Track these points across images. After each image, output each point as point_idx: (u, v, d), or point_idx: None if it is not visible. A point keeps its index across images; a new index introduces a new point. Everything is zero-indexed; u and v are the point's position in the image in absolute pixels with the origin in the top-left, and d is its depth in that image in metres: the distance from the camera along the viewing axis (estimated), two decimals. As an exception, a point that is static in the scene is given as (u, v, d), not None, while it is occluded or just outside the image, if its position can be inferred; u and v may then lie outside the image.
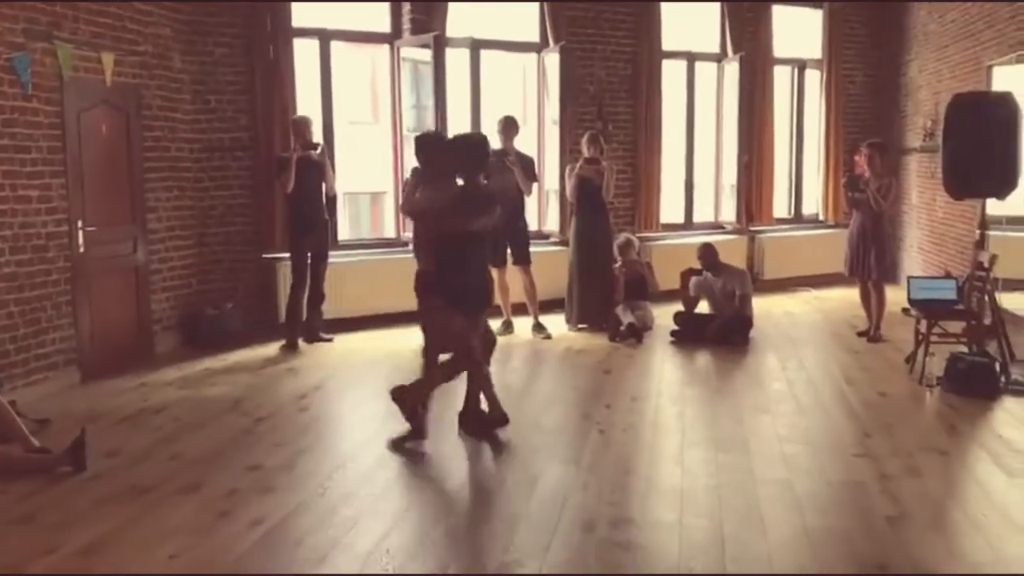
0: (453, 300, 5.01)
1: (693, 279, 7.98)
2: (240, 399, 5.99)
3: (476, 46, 9.02)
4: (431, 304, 5.12)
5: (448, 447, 5.02)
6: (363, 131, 14.82)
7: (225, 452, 4.90)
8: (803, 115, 10.98)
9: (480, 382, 5.13)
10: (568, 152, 8.98)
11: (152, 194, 7.31)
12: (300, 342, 7.60)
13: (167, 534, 3.79)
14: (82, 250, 6.42)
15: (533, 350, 7.47)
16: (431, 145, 5.63)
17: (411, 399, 5.11)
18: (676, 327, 7.77)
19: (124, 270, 7.00)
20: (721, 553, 3.55)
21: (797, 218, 11.09)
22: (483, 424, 5.17)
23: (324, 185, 7.69)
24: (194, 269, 7.89)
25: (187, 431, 5.30)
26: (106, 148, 6.75)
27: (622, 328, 7.76)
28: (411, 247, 5.09)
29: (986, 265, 6.28)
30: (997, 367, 5.93)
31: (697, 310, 8.00)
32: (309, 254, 7.60)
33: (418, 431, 5.06)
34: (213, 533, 3.82)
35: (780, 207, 10.86)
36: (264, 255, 8.11)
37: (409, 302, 7.93)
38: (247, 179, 8.10)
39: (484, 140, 5.38)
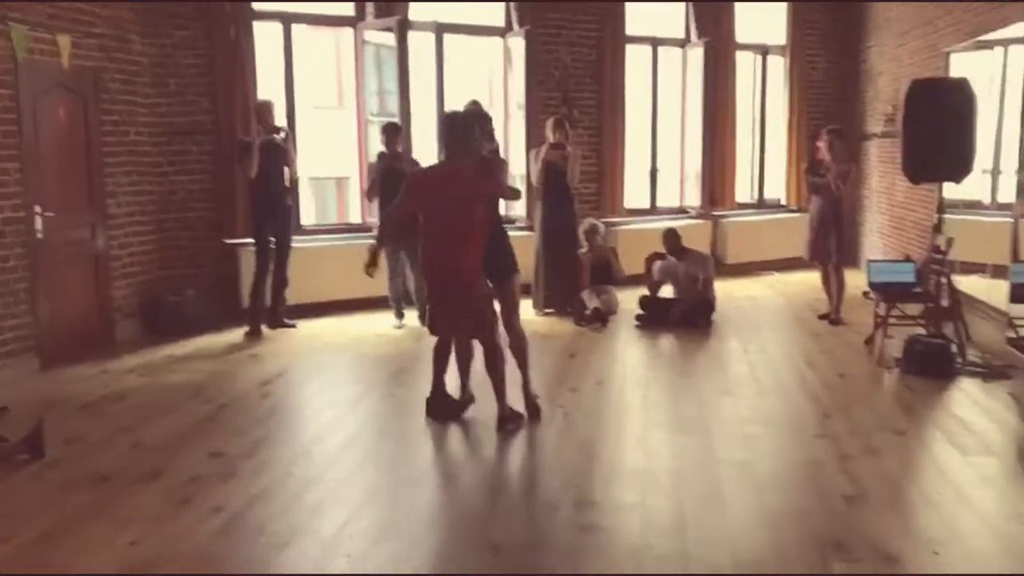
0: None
1: (657, 263, 8.03)
2: (202, 386, 5.94)
3: (440, 30, 8.98)
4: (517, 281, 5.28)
5: (414, 432, 5.01)
6: (328, 116, 14.72)
7: (187, 439, 4.86)
8: (766, 101, 11.06)
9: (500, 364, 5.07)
10: (533, 137, 8.98)
11: (111, 179, 7.21)
12: (263, 328, 7.55)
13: (127, 521, 3.76)
14: (40, 236, 6.31)
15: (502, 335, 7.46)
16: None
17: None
18: (641, 311, 7.82)
19: (83, 256, 6.91)
20: (682, 533, 3.59)
21: (760, 203, 11.18)
22: (450, 410, 5.17)
23: (287, 170, 7.62)
24: (155, 255, 7.79)
25: (148, 418, 5.24)
26: (63, 132, 6.64)
27: (587, 312, 7.80)
28: (471, 235, 4.84)
29: (943, 248, 6.37)
30: (953, 349, 6.03)
31: (661, 294, 8.05)
32: (272, 239, 7.53)
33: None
34: (174, 520, 3.79)
35: (743, 192, 10.95)
36: (226, 241, 8.02)
37: (375, 288, 8.00)
38: (208, 164, 8.00)
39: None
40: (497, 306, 5.17)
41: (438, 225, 4.88)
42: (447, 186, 4.85)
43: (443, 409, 5.18)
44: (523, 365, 5.21)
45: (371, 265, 4.96)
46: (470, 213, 4.82)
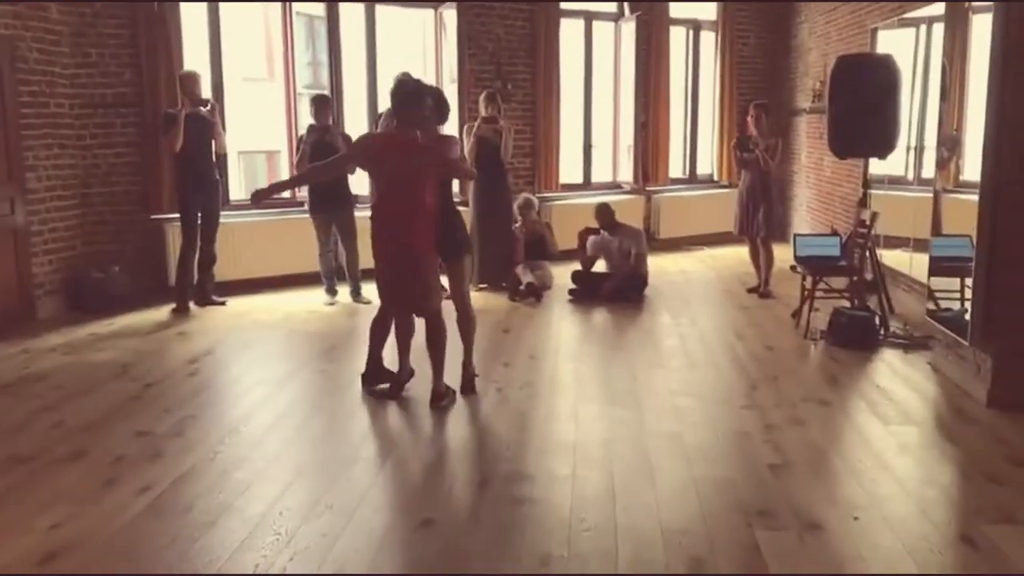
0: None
1: (591, 239, 8.07)
2: (128, 364, 5.81)
3: (372, 0, 8.84)
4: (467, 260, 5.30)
5: (345, 409, 4.97)
6: (258, 88, 14.41)
7: (111, 419, 4.75)
8: (699, 76, 11.16)
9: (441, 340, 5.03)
10: (467, 112, 8.93)
11: (30, 152, 6.97)
12: (191, 305, 7.41)
13: (48, 504, 3.66)
14: (-47, 211, 6.09)
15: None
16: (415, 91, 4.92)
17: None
18: (574, 286, 7.86)
19: (2, 231, 6.68)
20: (612, 504, 3.63)
21: (692, 178, 11.30)
22: (389, 383, 5.15)
23: (214, 143, 7.45)
24: (78, 231, 7.58)
25: (71, 398, 5.11)
26: (-23, 104, 6.40)
27: (522, 288, 7.82)
28: (421, 207, 4.74)
29: (868, 223, 6.52)
30: (877, 320, 6.19)
31: (595, 269, 8.10)
32: (199, 214, 7.37)
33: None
34: (98, 501, 3.71)
35: (675, 167, 11.05)
36: (152, 216, 7.84)
37: (306, 264, 7.90)
38: (133, 136, 7.79)
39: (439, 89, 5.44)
40: (446, 282, 5.18)
41: (389, 196, 4.81)
42: (398, 155, 4.77)
43: (379, 381, 5.15)
44: (468, 341, 5.21)
45: (261, 195, 4.91)
46: (421, 186, 4.75)
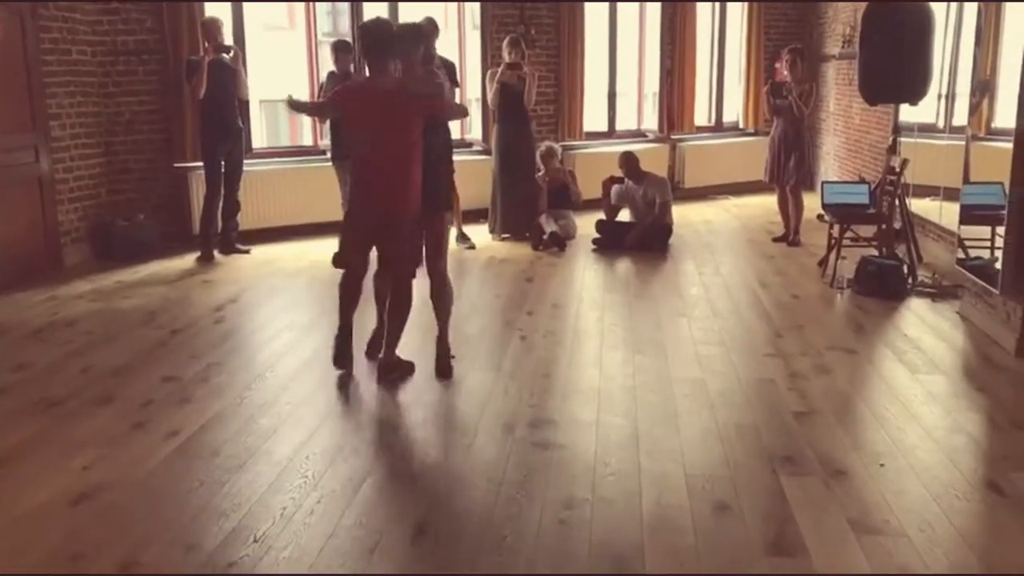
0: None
1: (614, 188, 8.01)
2: (154, 312, 5.86)
3: (393, -54, 8.71)
4: (446, 218, 4.68)
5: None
6: (279, 36, 14.31)
7: (139, 365, 4.80)
8: (726, 21, 10.94)
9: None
10: (490, 58, 8.83)
11: (54, 100, 6.97)
12: (216, 254, 7.44)
13: (79, 446, 3.72)
14: (-21, 159, 6.12)
15: (457, 260, 7.40)
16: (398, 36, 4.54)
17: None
18: (598, 235, 7.82)
19: (26, 179, 6.71)
20: (636, 449, 3.64)
21: (718, 126, 11.14)
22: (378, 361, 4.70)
23: (236, 90, 7.41)
24: (102, 179, 7.60)
25: (99, 344, 5.17)
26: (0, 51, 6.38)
27: (545, 237, 7.78)
28: (404, 162, 4.34)
29: (897, 169, 6.42)
30: (905, 269, 6.12)
31: (619, 218, 8.05)
32: (223, 162, 7.37)
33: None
34: (127, 444, 3.76)
35: (701, 115, 10.89)
36: (176, 164, 7.85)
37: (330, 212, 7.89)
38: (155, 84, 7.77)
39: (418, 26, 4.87)
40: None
41: (369, 148, 4.38)
42: (374, 105, 4.33)
43: (347, 354, 4.63)
44: (443, 315, 4.67)
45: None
46: (405, 135, 4.33)
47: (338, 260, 4.73)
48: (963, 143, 6.03)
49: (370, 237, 4.55)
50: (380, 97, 4.35)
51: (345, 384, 4.54)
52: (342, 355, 4.60)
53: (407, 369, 4.60)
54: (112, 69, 7.59)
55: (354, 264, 4.66)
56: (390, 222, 4.44)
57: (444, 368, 4.61)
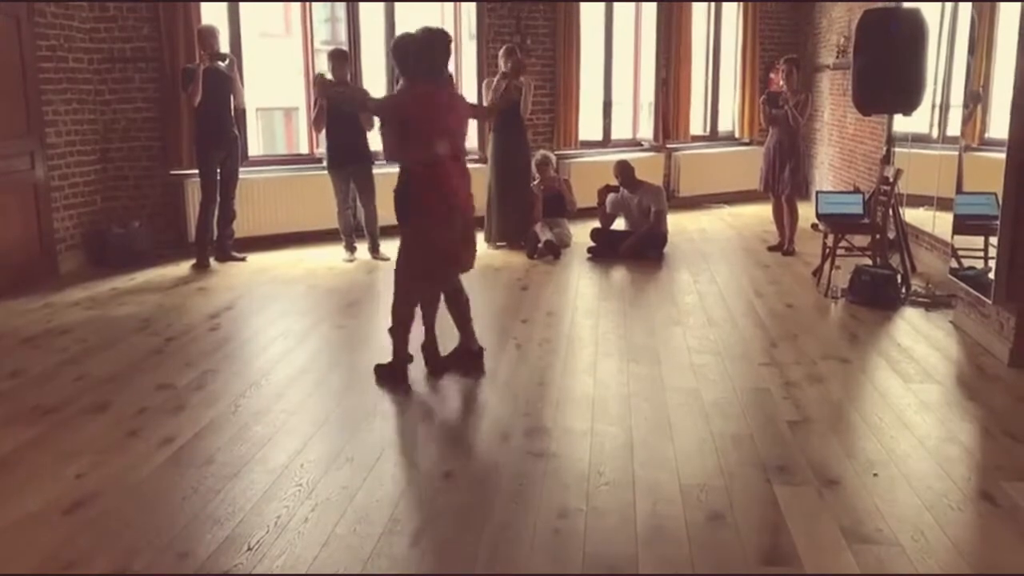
0: None
1: (610, 196, 8.03)
2: (149, 319, 5.86)
3: (390, -45, 8.74)
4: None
5: (365, 362, 4.99)
6: (276, 44, 14.32)
7: (134, 372, 4.80)
8: (721, 32, 10.99)
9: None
10: (486, 67, 8.85)
11: (50, 107, 6.98)
12: (211, 261, 7.44)
13: (73, 453, 3.71)
14: (-26, 165, 6.12)
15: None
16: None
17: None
18: (593, 244, 7.83)
19: (22, 186, 6.71)
20: (630, 458, 3.64)
21: (713, 135, 11.18)
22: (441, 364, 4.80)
23: (233, 98, 7.43)
24: (98, 186, 7.61)
25: (94, 351, 5.16)
26: (-4, 57, 6.39)
27: (540, 245, 7.79)
28: (462, 159, 4.59)
29: (891, 180, 6.44)
30: (899, 279, 6.14)
31: (614, 227, 8.06)
32: (219, 170, 7.38)
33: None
34: (122, 452, 3.76)
35: (696, 124, 10.93)
36: (171, 171, 7.85)
37: (325, 220, 7.90)
38: (152, 92, 7.78)
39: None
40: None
41: (447, 152, 4.42)
42: (444, 111, 4.48)
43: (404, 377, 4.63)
44: (468, 317, 4.81)
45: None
46: (463, 134, 4.71)
47: (433, 274, 4.61)
48: (956, 153, 6.05)
49: (464, 245, 4.60)
50: (449, 104, 4.55)
51: (338, 391, 4.54)
52: (401, 376, 4.62)
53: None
54: (108, 76, 7.60)
55: (450, 277, 4.68)
56: (471, 222, 4.66)
57: (480, 364, 4.78)
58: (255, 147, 10.09)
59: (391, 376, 4.60)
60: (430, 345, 4.78)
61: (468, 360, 4.78)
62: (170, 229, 7.90)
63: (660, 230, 7.81)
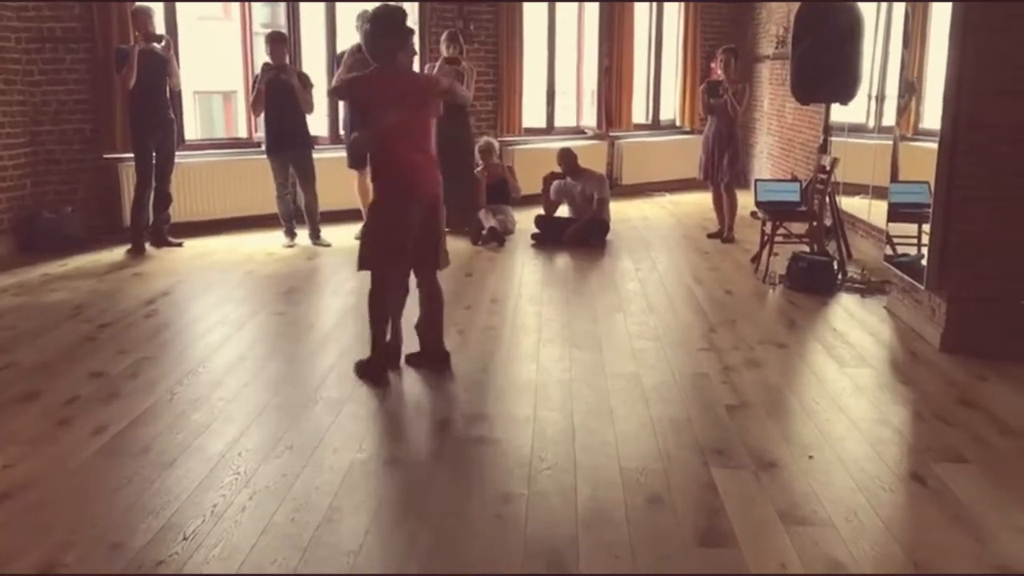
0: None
1: (554, 183, 8.03)
2: (82, 305, 5.71)
3: (330, -63, 8.61)
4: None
5: (306, 349, 4.94)
6: (214, 27, 14.05)
7: (65, 360, 4.67)
8: (663, 22, 11.05)
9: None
10: (428, 52, 8.78)
11: (-25, 88, 6.75)
12: (147, 246, 7.28)
13: (1, 444, 3.61)
14: None
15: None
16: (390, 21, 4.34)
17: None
18: (537, 231, 7.84)
19: (-53, 170, 6.48)
20: (572, 443, 3.66)
21: (655, 124, 11.25)
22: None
23: (168, 81, 7.26)
24: (28, 170, 7.37)
25: (23, 339, 5.02)
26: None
27: (484, 232, 7.77)
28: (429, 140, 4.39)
29: (828, 168, 6.55)
30: (835, 265, 6.26)
31: (557, 214, 8.08)
32: (154, 154, 7.21)
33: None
34: (52, 442, 3.66)
35: (639, 113, 10.99)
36: (105, 155, 7.65)
37: (265, 205, 7.78)
38: (84, 73, 7.56)
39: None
40: None
41: (403, 132, 4.29)
42: (404, 93, 4.30)
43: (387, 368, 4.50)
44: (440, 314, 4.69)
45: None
46: (422, 122, 4.36)
47: (382, 260, 4.41)
48: (891, 143, 6.17)
49: (417, 231, 4.39)
50: (413, 85, 4.40)
51: (278, 379, 4.48)
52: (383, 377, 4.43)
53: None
54: (38, 57, 7.36)
55: (404, 266, 4.50)
56: (435, 212, 4.47)
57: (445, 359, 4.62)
58: (194, 131, 9.92)
59: (368, 371, 4.44)
60: (393, 342, 4.65)
61: (432, 365, 4.60)
62: (104, 214, 7.70)
63: (603, 218, 7.85)
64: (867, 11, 6.50)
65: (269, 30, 8.01)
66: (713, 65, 7.99)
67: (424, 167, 4.38)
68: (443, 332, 4.66)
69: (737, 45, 9.07)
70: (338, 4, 8.56)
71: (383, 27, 4.28)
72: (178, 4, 7.98)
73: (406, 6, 8.79)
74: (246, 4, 8.42)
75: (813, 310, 5.77)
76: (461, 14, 9.24)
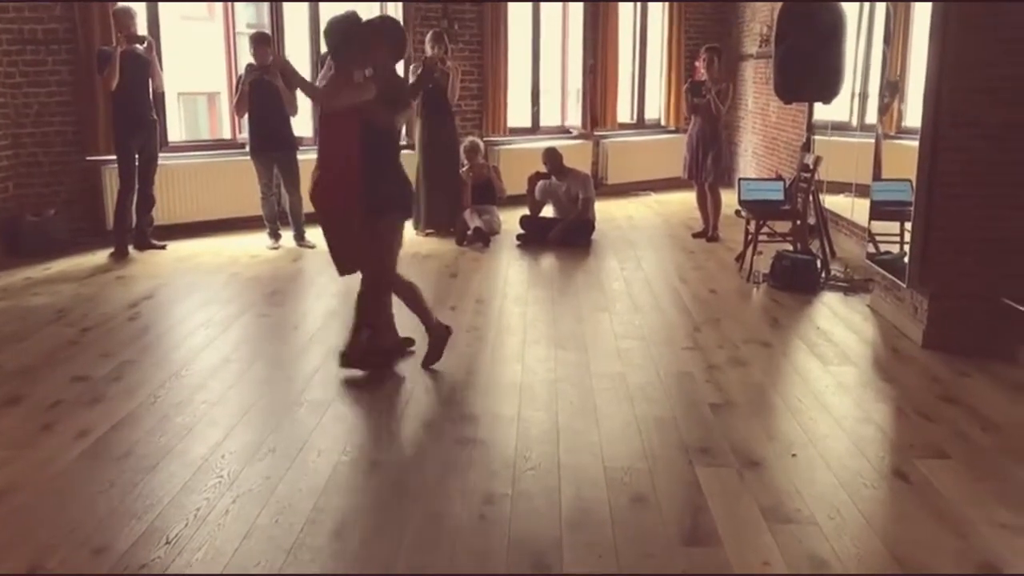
0: (407, 211, 4.63)
1: (539, 183, 8.03)
2: (65, 309, 5.68)
3: (313, -63, 8.58)
4: (392, 222, 4.47)
5: (289, 352, 4.93)
6: (198, 27, 13.99)
7: (48, 364, 4.65)
8: (647, 21, 11.06)
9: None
10: (412, 52, 8.76)
11: (-45, 90, 6.70)
12: (130, 249, 7.25)
13: (-18, 449, 3.59)
14: None
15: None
16: (349, 29, 4.45)
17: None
18: (522, 231, 7.84)
19: (-73, 173, 6.43)
20: (556, 443, 3.66)
21: (640, 123, 11.26)
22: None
23: (151, 82, 7.23)
24: (10, 172, 7.33)
25: (6, 343, 4.99)
26: None
27: (469, 232, 7.77)
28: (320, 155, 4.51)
29: (811, 167, 6.58)
30: (818, 264, 6.28)
31: (543, 214, 8.08)
32: (137, 156, 7.17)
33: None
34: (34, 446, 3.64)
35: (624, 112, 11.00)
36: (88, 157, 7.61)
37: (248, 207, 7.75)
38: (66, 75, 7.52)
39: (398, 22, 4.76)
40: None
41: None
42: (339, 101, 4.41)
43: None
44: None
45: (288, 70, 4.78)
46: (334, 131, 4.49)
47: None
48: (874, 141, 6.20)
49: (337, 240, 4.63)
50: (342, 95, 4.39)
51: (262, 381, 4.46)
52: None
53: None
54: (19, 59, 7.31)
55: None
56: (351, 227, 4.48)
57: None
58: (178, 132, 9.88)
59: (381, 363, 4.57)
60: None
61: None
62: (87, 217, 7.66)
63: (588, 217, 7.86)
64: (850, 10, 6.53)
65: (253, 31, 7.98)
66: (697, 64, 8.01)
67: (349, 175, 4.40)
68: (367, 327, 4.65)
69: (721, 44, 9.12)
70: (322, 4, 8.53)
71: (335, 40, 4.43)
72: (160, 4, 7.94)
73: (390, 6, 8.84)
74: (229, 4, 8.39)
75: (797, 309, 5.79)
76: (446, 14, 9.24)
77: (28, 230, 7.21)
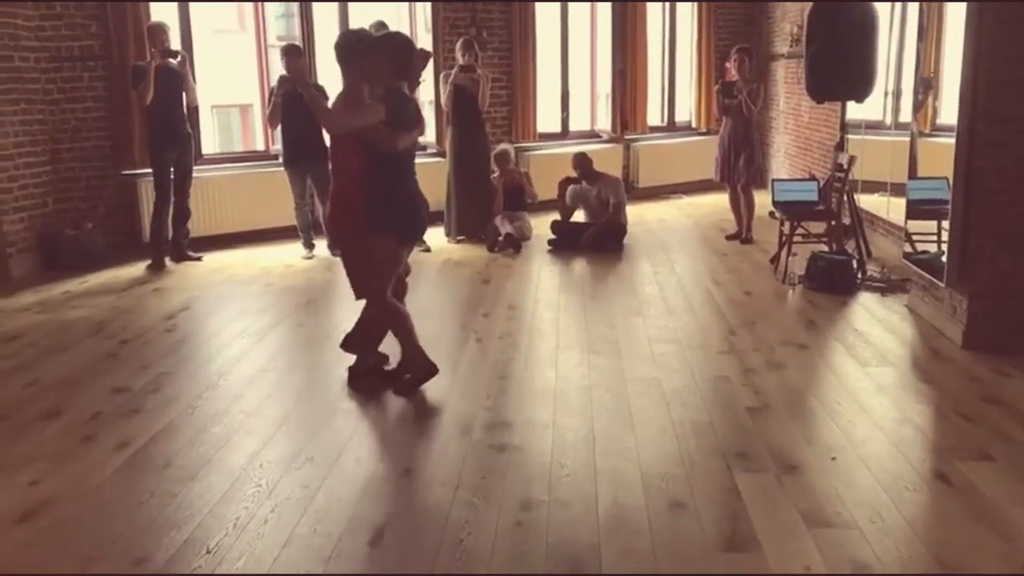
0: (404, 234, 4.41)
1: (570, 188, 8.03)
2: (103, 322, 5.76)
3: (342, -51, 8.65)
4: (383, 241, 4.30)
5: (325, 361, 4.95)
6: (230, 40, 14.17)
7: (87, 376, 4.71)
8: (676, 23, 11.02)
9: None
10: (443, 60, 8.81)
11: (-4, 107, 6.83)
12: (167, 261, 7.34)
13: (26, 461, 3.64)
14: (-82, 169, 5.97)
15: (412, 262, 7.32)
16: (357, 44, 4.36)
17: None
18: (553, 236, 7.83)
19: (-31, 190, 6.56)
20: (592, 449, 3.65)
21: (670, 126, 11.21)
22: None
23: (185, 96, 7.32)
24: (49, 187, 7.45)
25: (46, 356, 5.07)
26: (-62, 57, 6.24)
27: (500, 239, 7.78)
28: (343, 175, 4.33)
29: (845, 166, 6.51)
30: (854, 264, 6.21)
31: (574, 219, 8.07)
32: (172, 169, 7.27)
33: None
34: (75, 458, 3.69)
35: (654, 115, 10.96)
36: (124, 171, 7.72)
37: (282, 218, 7.81)
38: (101, 91, 7.64)
39: (409, 39, 4.59)
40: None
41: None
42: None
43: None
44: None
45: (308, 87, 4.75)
46: (339, 150, 4.40)
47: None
48: (909, 139, 6.13)
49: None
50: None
51: (298, 391, 4.49)
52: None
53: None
54: (57, 76, 7.45)
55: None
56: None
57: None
58: (211, 145, 10.00)
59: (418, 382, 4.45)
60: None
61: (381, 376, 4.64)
62: (124, 230, 7.78)
63: (619, 221, 7.83)
64: (881, 7, 6.46)
65: (284, 43, 8.06)
66: (728, 65, 7.96)
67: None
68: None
69: (751, 44, 9.05)
70: (351, 13, 8.58)
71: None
72: (193, 17, 8.03)
73: (419, 11, 8.87)
74: (261, 16, 8.47)
75: (833, 310, 5.73)
76: (474, 21, 9.26)
77: (66, 244, 7.33)
